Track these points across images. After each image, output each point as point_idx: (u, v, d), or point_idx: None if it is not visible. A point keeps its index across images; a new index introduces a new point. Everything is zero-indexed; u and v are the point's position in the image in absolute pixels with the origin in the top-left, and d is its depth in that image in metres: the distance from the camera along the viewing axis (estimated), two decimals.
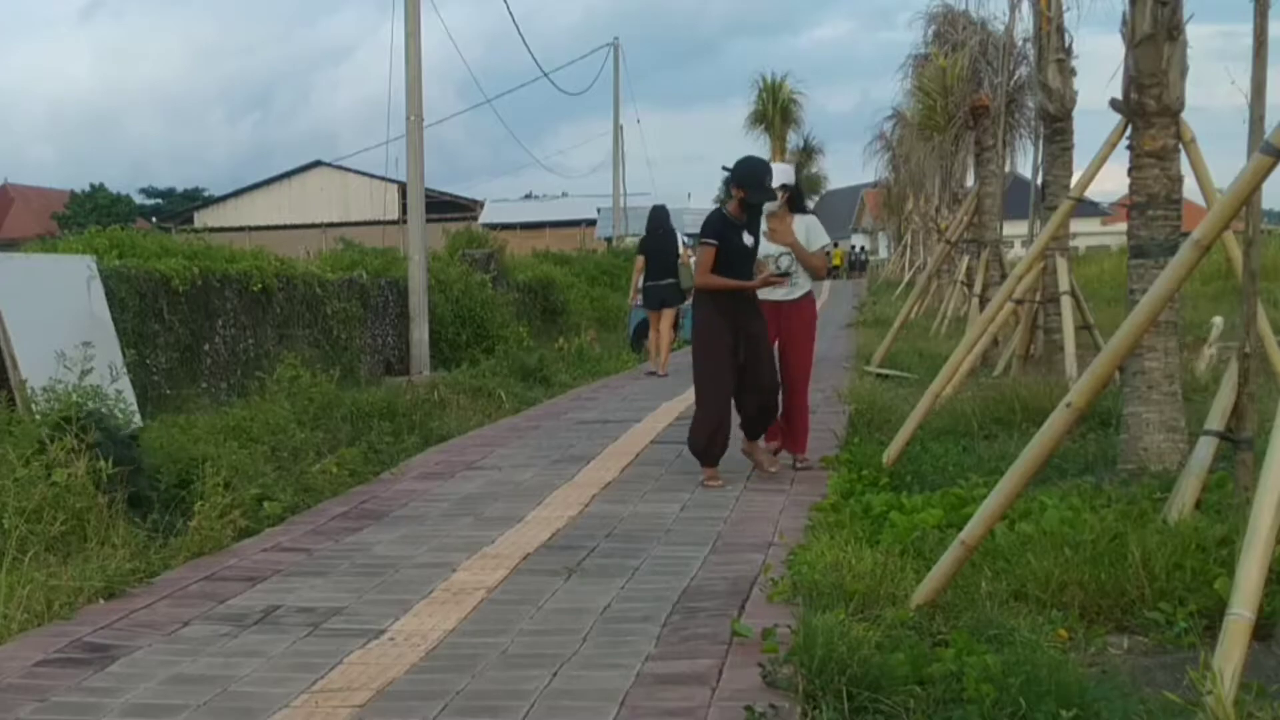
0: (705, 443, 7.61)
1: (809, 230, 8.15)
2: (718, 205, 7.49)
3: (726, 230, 7.53)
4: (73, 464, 6.08)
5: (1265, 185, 4.70)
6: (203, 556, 5.98)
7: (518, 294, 20.19)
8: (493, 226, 41.60)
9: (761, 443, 8.09)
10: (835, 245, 66.47)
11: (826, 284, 47.81)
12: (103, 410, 6.70)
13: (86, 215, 44.12)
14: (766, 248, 7.86)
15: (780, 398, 7.97)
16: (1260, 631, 3.93)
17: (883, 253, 64.91)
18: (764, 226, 7.83)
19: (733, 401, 7.72)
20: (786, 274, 7.94)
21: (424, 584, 5.43)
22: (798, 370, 8.14)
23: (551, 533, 6.41)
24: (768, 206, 7.77)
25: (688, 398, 11.92)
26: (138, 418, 8.02)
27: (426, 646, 4.57)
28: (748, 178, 7.49)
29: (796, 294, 8.14)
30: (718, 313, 7.59)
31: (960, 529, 4.84)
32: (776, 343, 7.97)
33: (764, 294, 7.80)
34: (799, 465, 8.06)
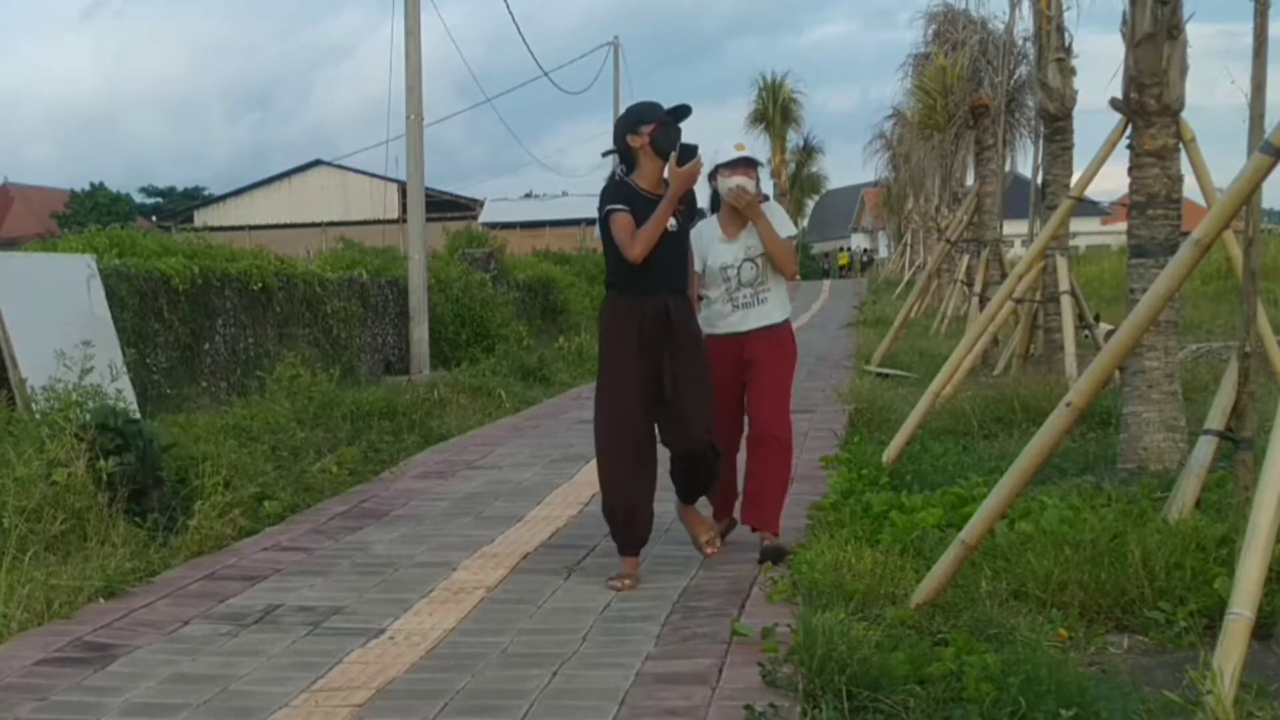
0: (622, 523, 5.40)
1: (777, 215, 5.86)
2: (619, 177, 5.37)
3: (633, 201, 5.31)
4: (73, 463, 6.08)
5: (1265, 184, 4.70)
6: (203, 556, 5.98)
7: (518, 293, 20.19)
8: (492, 226, 41.59)
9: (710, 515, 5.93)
10: (842, 249, 66.59)
11: (827, 284, 47.84)
12: (117, 408, 6.70)
13: (86, 214, 44.08)
14: (721, 254, 5.75)
15: (741, 456, 5.92)
16: (1260, 631, 3.94)
17: (883, 252, 64.89)
18: (715, 231, 5.83)
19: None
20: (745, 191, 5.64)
21: (424, 583, 5.43)
22: (768, 420, 5.70)
23: (551, 532, 6.41)
24: (727, 187, 5.68)
25: None
26: (137, 417, 8.01)
27: (426, 645, 4.57)
28: (647, 113, 5.33)
29: (767, 317, 5.76)
30: (626, 332, 5.31)
31: (960, 528, 4.84)
32: (745, 387, 5.80)
33: (722, 324, 5.75)
34: (765, 549, 5.60)
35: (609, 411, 5.36)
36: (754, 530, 5.73)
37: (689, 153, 5.25)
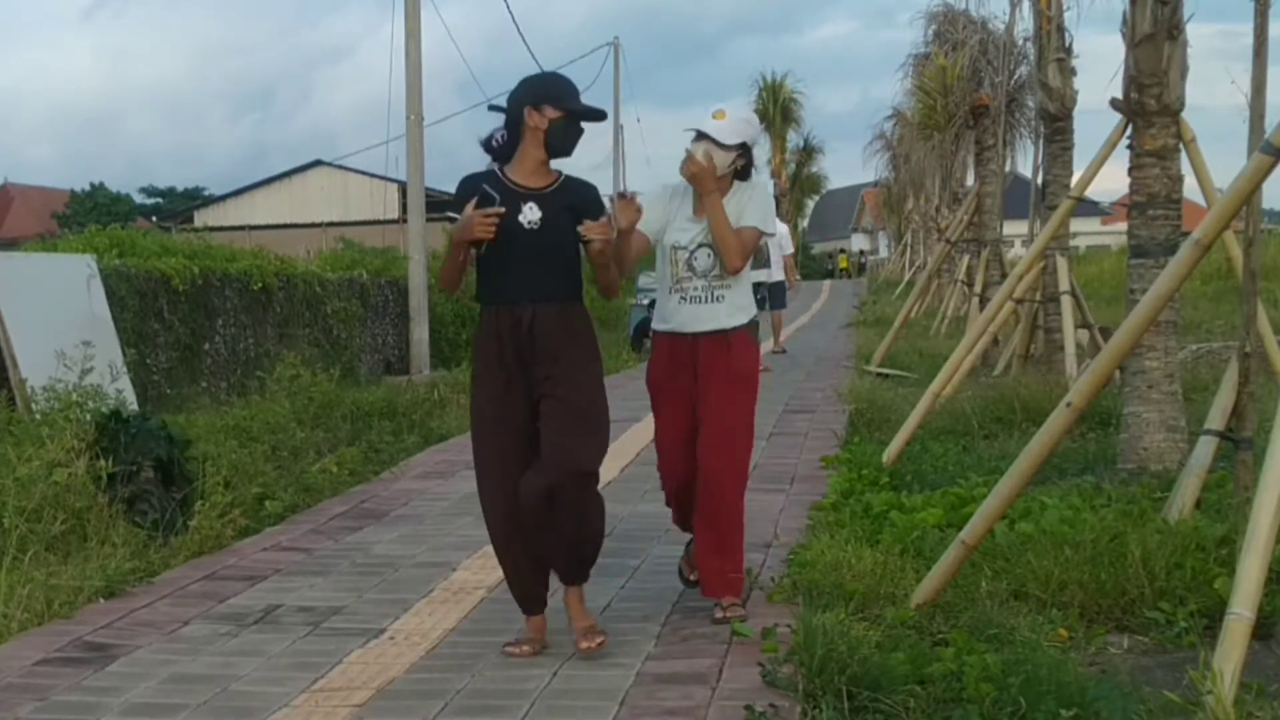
0: (510, 578, 4.56)
1: (750, 199, 4.74)
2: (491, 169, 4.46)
3: (499, 203, 4.30)
4: (73, 463, 6.09)
5: (1265, 185, 4.70)
6: (203, 556, 5.98)
7: None
8: None
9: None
10: (842, 251, 66.54)
11: (827, 284, 47.84)
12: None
13: (86, 214, 44.07)
14: (679, 231, 4.74)
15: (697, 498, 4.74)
16: (1260, 631, 3.94)
17: (883, 252, 64.90)
18: (686, 203, 4.77)
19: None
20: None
21: (424, 583, 5.43)
22: (713, 464, 4.61)
23: None
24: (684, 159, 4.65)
25: None
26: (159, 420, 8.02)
27: (427, 645, 4.57)
28: (560, 93, 4.42)
29: (719, 320, 4.68)
30: (487, 352, 4.41)
31: (960, 528, 4.84)
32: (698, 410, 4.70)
33: (667, 319, 4.75)
34: (722, 615, 4.65)
35: (475, 449, 4.51)
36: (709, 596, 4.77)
37: (487, 200, 4.28)
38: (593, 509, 4.44)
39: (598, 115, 4.51)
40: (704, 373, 4.66)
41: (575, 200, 4.41)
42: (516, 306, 4.34)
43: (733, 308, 4.70)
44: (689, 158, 4.64)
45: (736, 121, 4.71)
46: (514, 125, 4.41)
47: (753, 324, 4.78)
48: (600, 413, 4.44)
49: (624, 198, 4.45)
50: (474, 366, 4.50)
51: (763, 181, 5.00)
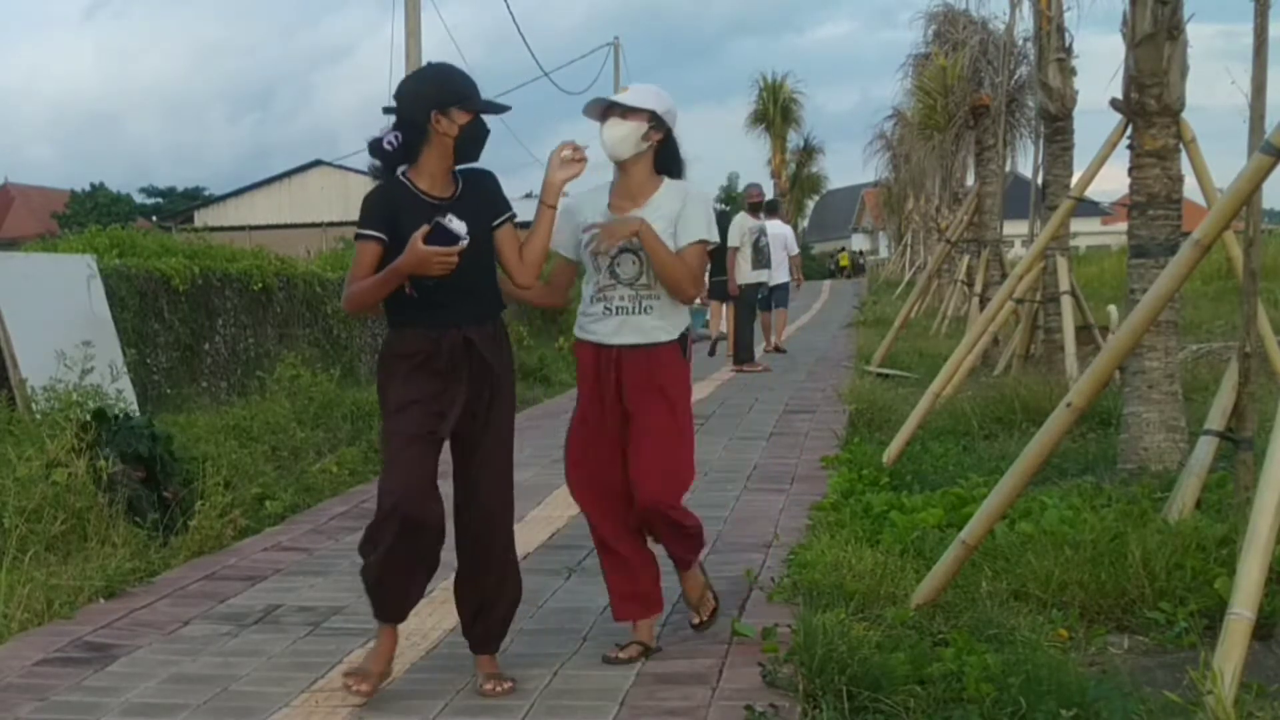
0: (375, 576, 4.06)
1: (686, 206, 4.25)
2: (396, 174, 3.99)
3: (406, 212, 3.90)
4: (73, 463, 6.09)
5: (1265, 185, 4.70)
6: (203, 556, 5.99)
7: None
8: None
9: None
10: (843, 250, 66.56)
11: (827, 284, 47.79)
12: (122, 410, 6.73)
13: (87, 215, 44.08)
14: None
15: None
16: (1260, 631, 3.94)
17: (883, 252, 64.90)
18: (601, 202, 4.33)
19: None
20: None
21: None
22: (653, 490, 4.23)
23: (551, 532, 6.41)
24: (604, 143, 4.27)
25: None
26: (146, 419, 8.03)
27: (426, 645, 4.58)
28: (468, 95, 3.97)
29: (647, 333, 4.25)
30: (411, 371, 3.98)
31: (960, 528, 4.85)
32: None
33: (589, 329, 4.33)
34: (616, 654, 4.33)
35: (382, 487, 4.00)
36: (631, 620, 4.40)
37: (445, 237, 3.83)
38: (512, 574, 4.21)
39: (501, 109, 4.13)
40: (630, 388, 4.23)
41: (480, 201, 4.02)
42: (449, 331, 3.95)
43: (661, 319, 4.25)
44: (599, 233, 4.19)
45: (643, 91, 4.28)
46: (411, 128, 3.95)
47: (682, 338, 4.32)
48: (509, 478, 4.21)
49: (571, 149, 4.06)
50: (393, 391, 3.99)
51: (694, 186, 4.39)
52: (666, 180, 4.30)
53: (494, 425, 4.09)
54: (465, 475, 4.10)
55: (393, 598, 4.08)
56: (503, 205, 4.12)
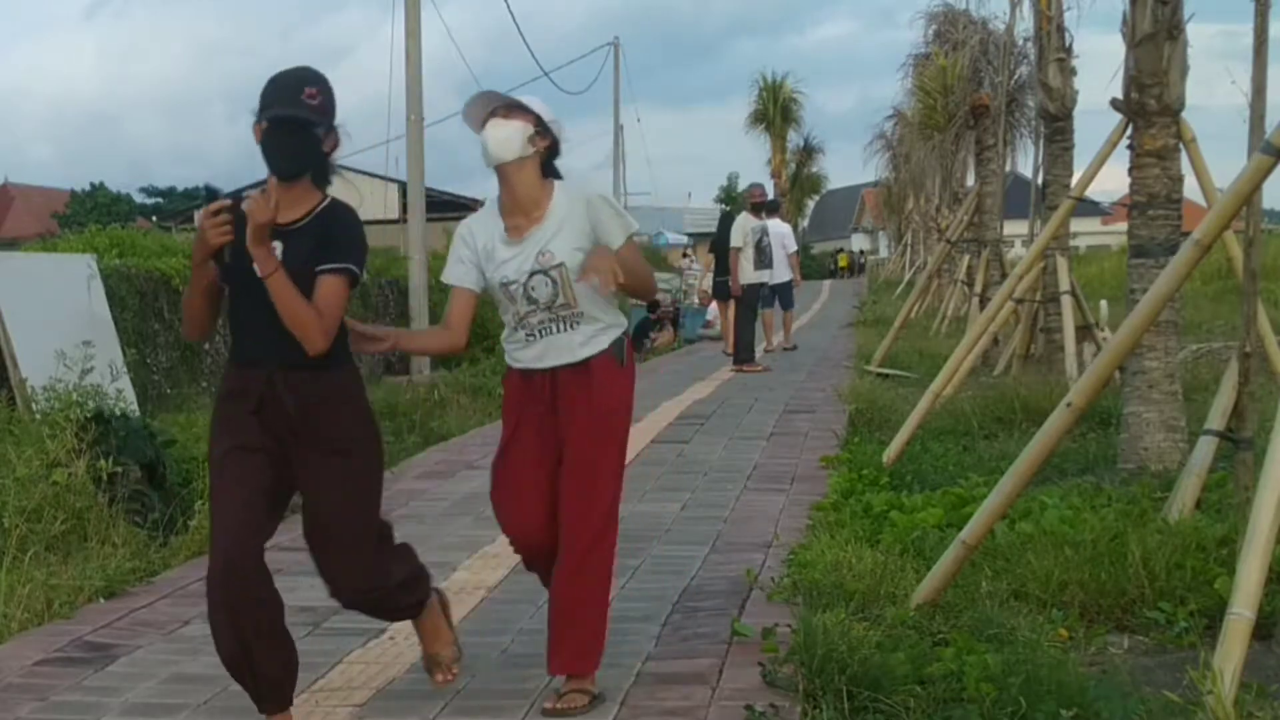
0: (229, 655, 3.64)
1: (592, 211, 3.86)
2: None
3: (242, 237, 3.43)
4: (73, 463, 6.09)
5: (1266, 185, 4.70)
6: (203, 555, 5.96)
7: None
8: None
9: None
10: (842, 250, 66.55)
11: (827, 284, 47.80)
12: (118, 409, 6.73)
13: (87, 214, 44.08)
14: (502, 264, 3.86)
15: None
16: (1260, 631, 3.94)
17: (883, 252, 64.89)
18: (495, 227, 3.91)
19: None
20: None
21: None
22: (575, 526, 3.85)
23: None
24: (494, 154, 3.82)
25: (689, 396, 11.98)
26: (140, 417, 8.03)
27: None
28: (272, 95, 3.54)
29: (575, 350, 3.87)
30: (229, 419, 3.63)
31: (960, 528, 4.85)
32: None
33: (518, 357, 3.92)
34: (553, 706, 3.86)
35: (213, 537, 3.65)
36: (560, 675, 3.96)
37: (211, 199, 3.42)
38: (395, 586, 3.84)
39: (289, 120, 3.49)
40: (564, 409, 3.87)
41: (319, 239, 3.52)
42: (255, 370, 3.57)
43: (592, 332, 3.87)
44: (598, 281, 3.66)
45: (526, 98, 3.91)
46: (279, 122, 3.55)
47: (617, 345, 3.91)
48: (373, 510, 3.73)
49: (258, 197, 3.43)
50: (212, 436, 3.66)
51: (585, 185, 4.00)
52: (557, 184, 3.90)
53: (327, 489, 3.60)
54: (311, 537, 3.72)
55: (255, 680, 3.62)
56: (336, 252, 3.53)
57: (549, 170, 3.92)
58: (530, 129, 3.82)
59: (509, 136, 3.80)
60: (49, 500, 5.85)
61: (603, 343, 3.89)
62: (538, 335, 3.87)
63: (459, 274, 3.95)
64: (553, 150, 3.91)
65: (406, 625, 4.76)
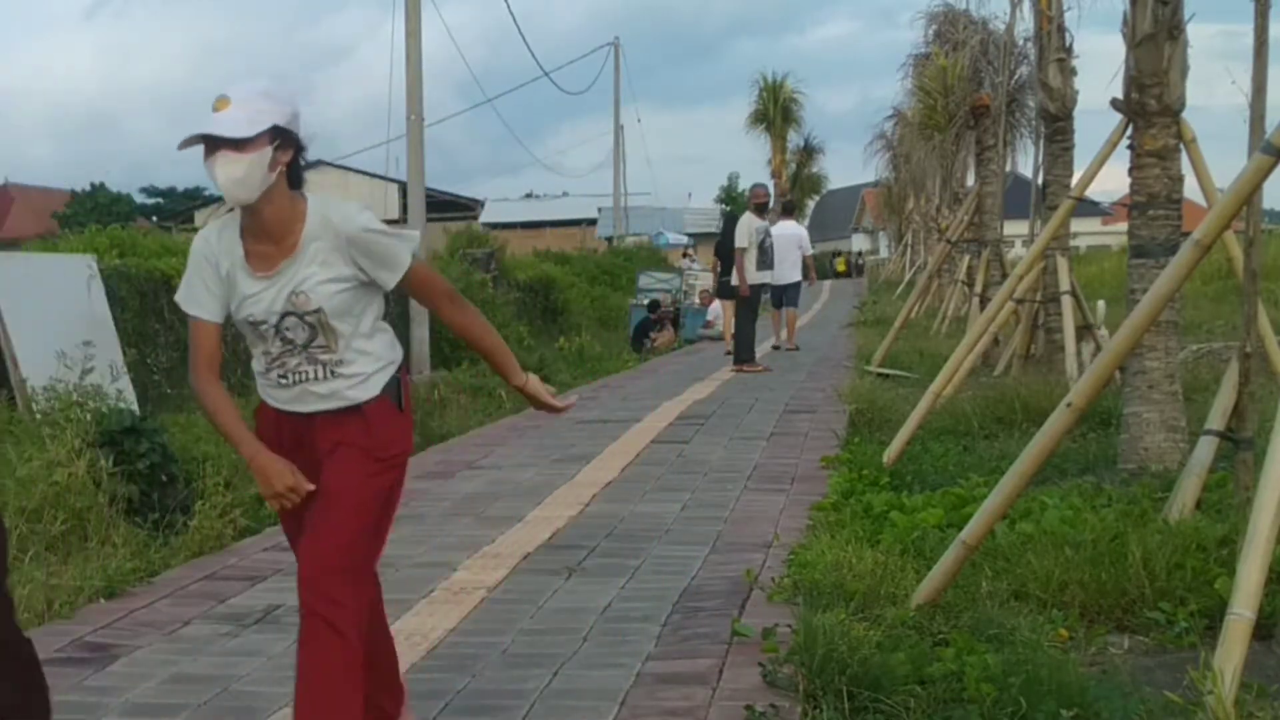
0: None
1: (360, 244, 3.22)
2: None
3: None
4: (73, 463, 6.09)
5: (1265, 185, 4.71)
6: (203, 556, 5.99)
7: (518, 293, 20.22)
8: (493, 226, 41.55)
9: None
10: (839, 253, 66.46)
11: (827, 284, 47.81)
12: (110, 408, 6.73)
13: (87, 214, 44.05)
14: (249, 300, 3.25)
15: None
16: (1260, 631, 3.94)
17: (883, 252, 64.84)
18: (235, 255, 3.24)
19: None
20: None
21: (424, 583, 5.43)
22: (314, 577, 3.21)
23: (552, 532, 6.41)
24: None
25: (689, 396, 11.98)
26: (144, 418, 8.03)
27: (427, 645, 4.57)
28: None
29: (341, 395, 3.27)
30: None
31: (961, 529, 4.85)
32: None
33: (275, 399, 3.32)
34: None
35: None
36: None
37: None
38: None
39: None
40: (325, 451, 3.27)
41: None
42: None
43: (353, 378, 3.27)
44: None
45: (250, 102, 3.12)
46: None
47: (392, 387, 3.34)
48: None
49: None
50: None
51: (339, 206, 3.24)
52: (310, 203, 3.23)
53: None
54: None
55: None
56: None
57: (296, 180, 3.21)
58: (269, 153, 3.09)
59: (244, 177, 3.09)
60: (49, 500, 5.86)
61: (374, 387, 3.29)
62: (292, 380, 3.26)
63: (200, 300, 3.26)
64: (298, 155, 3.21)
65: (408, 625, 4.79)
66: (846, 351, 17.47)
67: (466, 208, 48.62)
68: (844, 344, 19.24)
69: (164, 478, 6.42)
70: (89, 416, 6.52)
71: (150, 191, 60.20)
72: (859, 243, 73.71)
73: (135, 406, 8.05)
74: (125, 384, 8.65)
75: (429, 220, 16.41)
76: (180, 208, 50.66)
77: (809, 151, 64.79)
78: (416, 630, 4.75)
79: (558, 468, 8.36)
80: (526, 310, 20.26)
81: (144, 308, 10.32)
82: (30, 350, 8.38)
